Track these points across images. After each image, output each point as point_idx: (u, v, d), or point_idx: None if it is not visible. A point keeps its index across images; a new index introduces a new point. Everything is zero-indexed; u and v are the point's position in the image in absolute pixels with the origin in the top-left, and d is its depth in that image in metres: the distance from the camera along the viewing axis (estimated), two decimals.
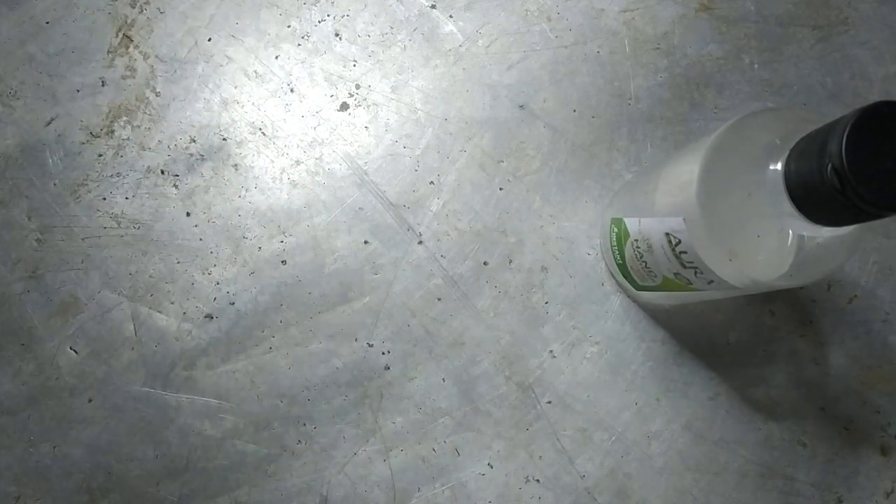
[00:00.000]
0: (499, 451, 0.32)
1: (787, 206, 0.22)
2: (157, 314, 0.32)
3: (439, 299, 0.33)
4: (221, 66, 0.34)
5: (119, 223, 0.33)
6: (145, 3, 0.34)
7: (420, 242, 0.33)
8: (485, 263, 0.33)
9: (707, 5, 0.36)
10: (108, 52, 0.34)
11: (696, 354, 0.33)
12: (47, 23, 0.34)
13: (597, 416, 0.32)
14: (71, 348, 0.32)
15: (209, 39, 0.34)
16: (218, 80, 0.34)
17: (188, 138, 0.33)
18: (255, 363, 0.32)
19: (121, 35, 0.34)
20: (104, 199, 0.33)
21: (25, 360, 0.32)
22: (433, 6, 0.35)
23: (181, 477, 0.31)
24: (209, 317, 0.32)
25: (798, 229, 0.23)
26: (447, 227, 0.33)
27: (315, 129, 0.34)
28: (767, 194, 0.22)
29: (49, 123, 0.33)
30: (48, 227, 0.32)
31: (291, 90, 0.34)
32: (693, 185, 0.24)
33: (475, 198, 0.34)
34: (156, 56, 0.34)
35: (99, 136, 0.33)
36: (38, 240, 0.32)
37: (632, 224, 0.29)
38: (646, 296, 0.32)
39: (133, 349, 0.32)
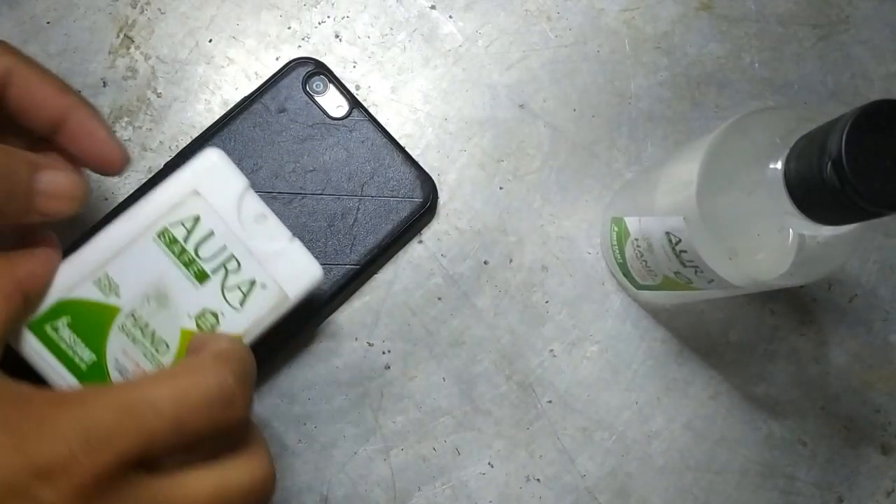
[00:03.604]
0: (499, 450, 0.32)
1: (788, 205, 0.22)
2: None
3: (439, 298, 0.33)
4: (222, 67, 0.34)
5: None
6: (146, 4, 0.34)
7: (420, 241, 0.33)
8: (485, 263, 0.33)
9: (707, 4, 0.36)
10: (110, 52, 0.34)
11: (696, 353, 0.33)
12: (48, 23, 0.34)
13: (597, 416, 0.32)
14: None
15: (210, 41, 0.34)
16: (219, 82, 0.34)
17: (189, 139, 0.33)
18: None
19: (122, 35, 0.34)
20: (106, 199, 0.33)
21: None
22: (433, 7, 0.35)
23: None
24: None
25: (798, 228, 0.23)
26: (447, 226, 0.34)
27: None
28: (767, 193, 0.22)
29: None
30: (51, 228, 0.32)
31: None
32: (693, 185, 0.24)
33: (475, 197, 0.34)
34: (157, 57, 0.34)
35: None
36: None
37: (632, 223, 0.29)
38: (646, 295, 0.32)
39: None
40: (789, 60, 0.36)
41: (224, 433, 0.21)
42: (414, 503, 0.31)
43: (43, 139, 0.25)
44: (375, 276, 0.33)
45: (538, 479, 0.32)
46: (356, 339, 0.32)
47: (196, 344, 0.24)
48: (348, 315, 0.32)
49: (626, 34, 0.35)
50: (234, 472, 0.21)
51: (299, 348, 0.32)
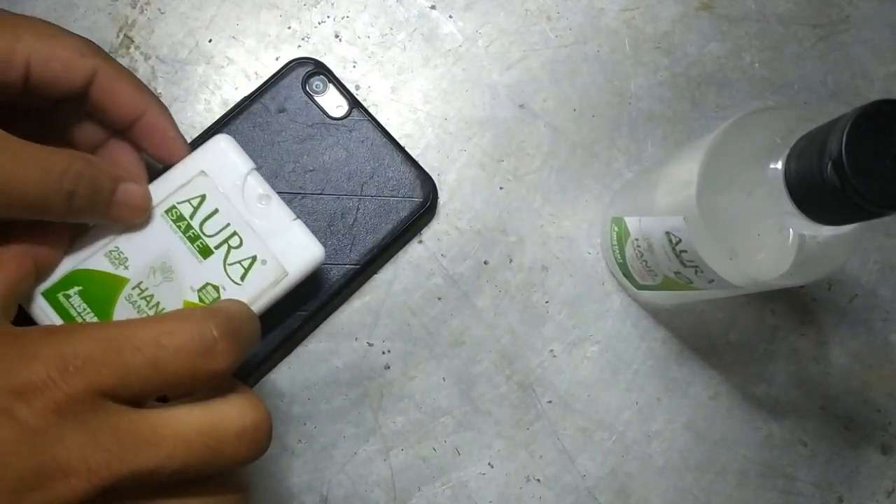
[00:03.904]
0: (499, 450, 0.32)
1: (788, 204, 0.22)
2: None
3: (439, 298, 0.33)
4: (222, 67, 0.34)
5: None
6: (146, 4, 0.34)
7: (420, 241, 0.33)
8: (485, 263, 0.33)
9: (707, 4, 0.36)
10: (110, 52, 0.34)
11: (696, 353, 0.33)
12: None
13: (597, 416, 0.32)
14: None
15: (210, 41, 0.34)
16: (218, 81, 0.34)
17: (189, 139, 0.33)
18: None
19: (122, 35, 0.34)
20: None
21: None
22: (433, 7, 0.35)
23: None
24: None
25: (798, 228, 0.23)
26: (447, 226, 0.34)
27: None
28: (768, 193, 0.22)
29: None
30: None
31: None
32: (693, 185, 0.24)
33: (475, 197, 0.34)
34: (157, 57, 0.34)
35: None
36: None
37: (632, 223, 0.29)
38: (646, 295, 0.32)
39: None
40: (789, 60, 0.36)
41: (206, 384, 0.21)
42: (414, 503, 0.31)
43: (118, 131, 0.27)
44: (375, 276, 0.33)
45: (538, 480, 0.32)
46: (356, 339, 0.32)
47: None
48: (348, 315, 0.32)
49: (626, 34, 0.35)
50: (225, 409, 0.21)
51: (299, 348, 0.32)
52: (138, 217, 0.27)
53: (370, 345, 0.32)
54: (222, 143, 0.28)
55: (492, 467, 0.32)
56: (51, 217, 0.24)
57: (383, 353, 0.32)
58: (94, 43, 0.26)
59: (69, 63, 0.25)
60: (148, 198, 0.27)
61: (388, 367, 0.32)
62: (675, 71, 0.35)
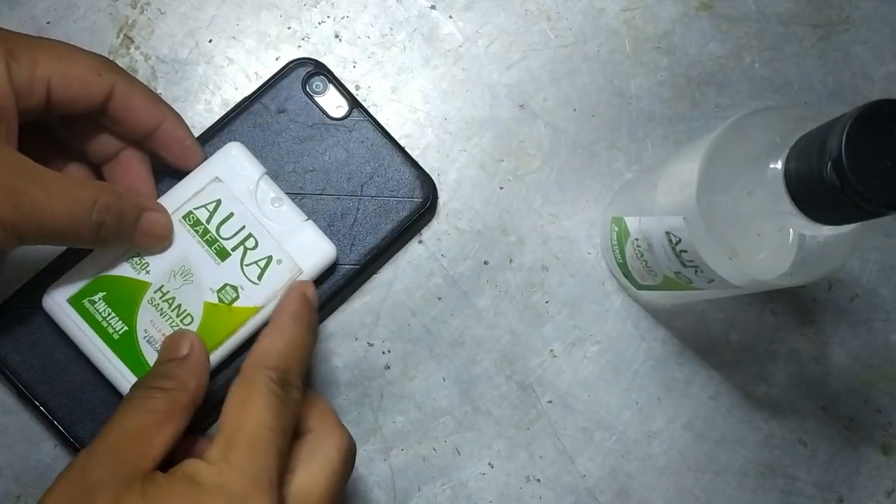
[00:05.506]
0: (499, 450, 0.32)
1: (788, 204, 0.22)
2: None
3: (440, 299, 0.33)
4: (222, 67, 0.34)
5: None
6: (146, 4, 0.34)
7: (420, 242, 0.33)
8: (485, 263, 0.33)
9: (707, 4, 0.36)
10: (110, 52, 0.34)
11: (696, 354, 0.33)
12: (48, 23, 0.34)
13: (598, 416, 0.32)
14: None
15: (210, 41, 0.34)
16: (219, 82, 0.34)
17: None
18: None
19: (122, 36, 0.34)
20: None
21: None
22: (433, 7, 0.35)
23: None
24: None
25: (798, 228, 0.23)
26: (447, 226, 0.34)
27: None
28: (768, 193, 0.22)
29: None
30: None
31: None
32: (693, 184, 0.24)
33: (475, 197, 0.34)
34: (157, 57, 0.34)
35: None
36: None
37: (632, 223, 0.29)
38: (646, 295, 0.32)
39: None
40: (789, 60, 0.36)
41: None
42: (414, 503, 0.31)
43: (136, 142, 0.29)
44: (375, 276, 0.33)
45: (538, 480, 0.32)
46: (356, 339, 0.32)
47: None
48: (348, 315, 0.32)
49: (626, 34, 0.35)
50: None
51: None
52: (160, 244, 0.28)
53: (370, 345, 0.32)
54: (234, 150, 0.29)
55: (492, 467, 0.32)
56: (79, 245, 0.25)
57: (383, 353, 0.32)
58: (109, 60, 0.27)
59: (87, 82, 0.26)
60: (169, 227, 0.28)
61: (388, 367, 0.32)
62: (675, 71, 0.35)
